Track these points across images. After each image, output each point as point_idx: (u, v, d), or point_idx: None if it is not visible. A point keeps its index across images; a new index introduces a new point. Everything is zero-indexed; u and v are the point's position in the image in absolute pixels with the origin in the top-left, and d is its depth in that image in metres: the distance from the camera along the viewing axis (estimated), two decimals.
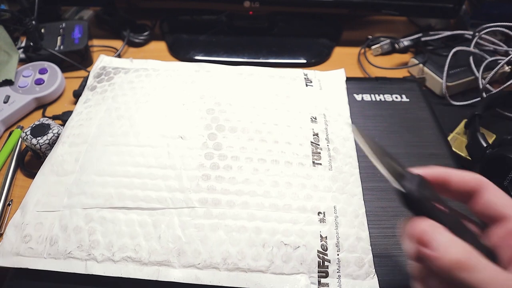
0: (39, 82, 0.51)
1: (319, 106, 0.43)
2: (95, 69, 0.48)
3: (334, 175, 0.36)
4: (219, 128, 0.39)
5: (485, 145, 0.42)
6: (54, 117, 0.48)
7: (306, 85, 0.45)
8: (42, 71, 0.53)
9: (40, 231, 0.32)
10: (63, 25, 0.59)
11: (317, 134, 0.39)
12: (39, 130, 0.41)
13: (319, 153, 0.38)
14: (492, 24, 0.56)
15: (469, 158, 0.44)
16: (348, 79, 0.49)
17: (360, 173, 0.38)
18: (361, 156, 0.40)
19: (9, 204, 0.39)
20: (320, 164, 0.37)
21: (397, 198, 0.24)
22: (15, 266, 0.31)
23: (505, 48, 0.57)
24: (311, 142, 0.39)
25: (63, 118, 0.47)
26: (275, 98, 0.43)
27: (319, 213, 0.33)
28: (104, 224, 0.32)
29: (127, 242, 0.31)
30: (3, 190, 0.40)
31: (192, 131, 0.39)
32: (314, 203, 0.34)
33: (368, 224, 0.34)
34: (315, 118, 0.41)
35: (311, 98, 0.43)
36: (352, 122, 0.43)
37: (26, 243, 0.32)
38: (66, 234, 0.32)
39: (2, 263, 0.31)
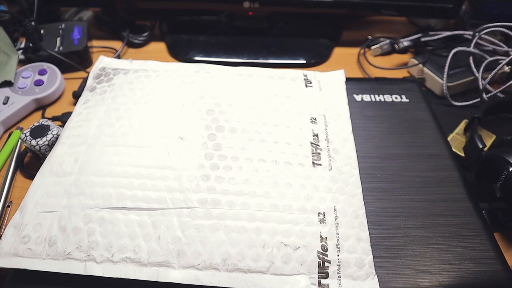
0: (38, 83, 0.51)
1: (318, 106, 0.43)
2: (94, 70, 0.48)
3: (334, 175, 0.36)
4: (219, 129, 0.39)
5: (481, 146, 0.42)
6: (54, 118, 0.48)
7: (306, 86, 0.45)
8: (42, 72, 0.53)
9: (39, 231, 0.32)
10: (63, 26, 0.59)
11: (316, 135, 0.39)
12: (39, 131, 0.41)
13: (319, 153, 0.38)
14: (491, 24, 0.56)
15: None
16: (348, 80, 0.49)
17: (360, 173, 0.38)
18: (361, 157, 0.40)
19: (8, 206, 0.39)
20: (320, 164, 0.37)
21: None
22: (14, 267, 0.31)
23: (505, 48, 0.57)
24: (311, 143, 0.39)
25: (63, 119, 0.47)
26: (275, 98, 0.43)
27: (319, 213, 0.33)
28: (103, 224, 0.32)
29: (126, 242, 0.31)
30: (3, 191, 0.40)
31: (192, 132, 0.39)
32: (314, 204, 0.34)
33: (368, 225, 0.34)
34: (315, 119, 0.41)
35: (311, 98, 0.43)
36: (352, 123, 0.43)
37: (25, 243, 0.32)
38: (65, 234, 0.32)
39: (0, 263, 0.31)
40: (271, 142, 0.38)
